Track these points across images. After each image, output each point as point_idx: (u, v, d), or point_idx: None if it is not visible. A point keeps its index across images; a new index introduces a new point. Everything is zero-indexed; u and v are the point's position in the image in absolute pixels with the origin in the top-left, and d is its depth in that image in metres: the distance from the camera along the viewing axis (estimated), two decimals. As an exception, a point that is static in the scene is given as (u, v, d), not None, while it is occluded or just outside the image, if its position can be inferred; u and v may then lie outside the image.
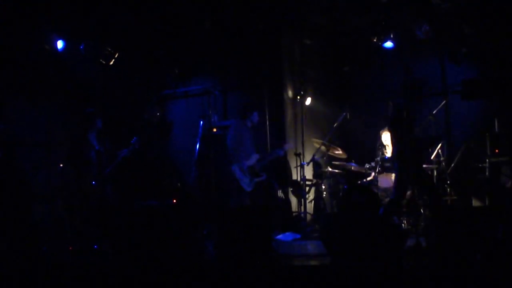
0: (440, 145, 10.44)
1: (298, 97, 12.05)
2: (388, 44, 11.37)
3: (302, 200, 11.06)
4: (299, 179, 11.32)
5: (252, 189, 10.07)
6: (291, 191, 11.70)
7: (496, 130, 10.25)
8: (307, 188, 11.30)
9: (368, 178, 10.63)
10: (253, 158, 10.19)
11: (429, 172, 10.15)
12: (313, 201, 11.59)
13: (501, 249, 6.13)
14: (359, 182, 10.85)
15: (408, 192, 9.96)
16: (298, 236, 10.08)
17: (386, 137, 10.82)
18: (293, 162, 11.71)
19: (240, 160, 10.00)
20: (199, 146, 10.14)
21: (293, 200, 11.65)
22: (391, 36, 11.32)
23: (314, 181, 11.44)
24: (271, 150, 11.24)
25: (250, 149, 10.24)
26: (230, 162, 10.06)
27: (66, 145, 10.78)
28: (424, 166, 10.18)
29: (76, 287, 7.46)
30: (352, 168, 10.90)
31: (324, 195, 11.21)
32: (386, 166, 10.27)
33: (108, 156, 10.08)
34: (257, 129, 10.99)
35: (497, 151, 9.83)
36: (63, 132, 11.66)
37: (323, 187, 11.14)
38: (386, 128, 10.84)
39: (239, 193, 10.02)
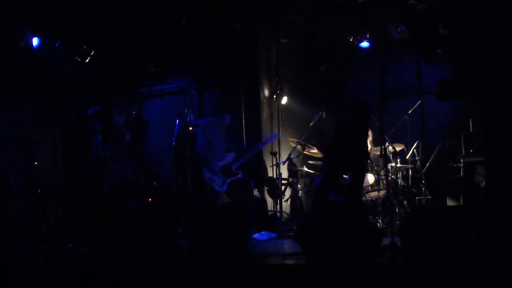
0: (415, 144, 10.52)
1: (275, 96, 12.08)
2: (364, 44, 11.43)
3: (278, 199, 11.06)
4: (275, 178, 11.34)
5: (227, 188, 10.02)
6: (267, 190, 11.70)
7: (471, 130, 10.32)
8: (283, 187, 11.30)
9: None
10: (229, 157, 10.15)
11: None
12: (289, 200, 11.61)
13: (474, 248, 6.17)
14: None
15: (383, 192, 10.01)
16: (274, 235, 10.09)
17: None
18: (269, 161, 11.72)
19: (209, 162, 9.95)
20: (174, 144, 10.10)
21: (269, 199, 11.65)
22: (367, 36, 11.38)
23: (290, 180, 11.45)
24: (250, 146, 11.21)
25: (221, 149, 10.17)
26: (201, 165, 10.03)
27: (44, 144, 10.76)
28: (399, 165, 10.25)
29: (50, 286, 7.41)
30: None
31: (300, 194, 11.23)
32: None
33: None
34: (233, 128, 11.00)
35: (471, 151, 9.91)
36: (39, 130, 11.60)
37: (299, 186, 11.16)
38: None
39: (212, 194, 9.98)
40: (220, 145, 10.18)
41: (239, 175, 10.19)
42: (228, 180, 10.05)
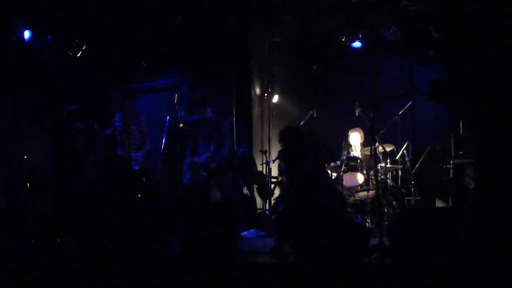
0: (405, 145, 10.55)
1: (266, 95, 12.05)
2: (357, 44, 11.43)
3: (267, 197, 11.07)
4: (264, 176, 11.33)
5: (188, 183, 9.83)
6: (256, 188, 11.70)
7: (461, 132, 10.34)
8: (273, 186, 11.30)
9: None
10: (204, 156, 9.87)
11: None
12: (278, 199, 11.61)
13: (463, 250, 6.19)
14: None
15: (372, 192, 10.03)
16: (263, 233, 10.08)
17: (354, 137, 10.87)
18: (259, 160, 11.71)
19: (187, 156, 9.89)
20: (165, 141, 10.07)
21: (258, 197, 11.65)
22: (360, 36, 11.39)
23: (280, 178, 11.45)
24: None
25: (201, 148, 9.97)
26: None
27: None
28: (389, 166, 10.27)
29: (38, 281, 7.39)
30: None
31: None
32: (351, 165, 10.31)
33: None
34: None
35: (461, 153, 9.93)
36: (29, 123, 11.56)
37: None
38: (356, 128, 10.91)
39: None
40: (200, 143, 9.97)
41: (202, 177, 9.87)
42: (194, 177, 9.81)
